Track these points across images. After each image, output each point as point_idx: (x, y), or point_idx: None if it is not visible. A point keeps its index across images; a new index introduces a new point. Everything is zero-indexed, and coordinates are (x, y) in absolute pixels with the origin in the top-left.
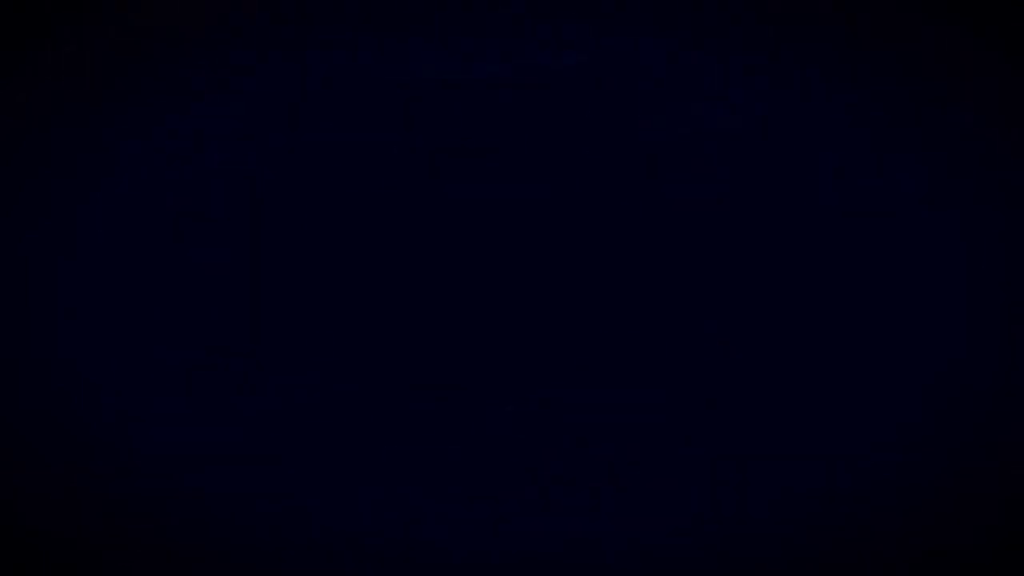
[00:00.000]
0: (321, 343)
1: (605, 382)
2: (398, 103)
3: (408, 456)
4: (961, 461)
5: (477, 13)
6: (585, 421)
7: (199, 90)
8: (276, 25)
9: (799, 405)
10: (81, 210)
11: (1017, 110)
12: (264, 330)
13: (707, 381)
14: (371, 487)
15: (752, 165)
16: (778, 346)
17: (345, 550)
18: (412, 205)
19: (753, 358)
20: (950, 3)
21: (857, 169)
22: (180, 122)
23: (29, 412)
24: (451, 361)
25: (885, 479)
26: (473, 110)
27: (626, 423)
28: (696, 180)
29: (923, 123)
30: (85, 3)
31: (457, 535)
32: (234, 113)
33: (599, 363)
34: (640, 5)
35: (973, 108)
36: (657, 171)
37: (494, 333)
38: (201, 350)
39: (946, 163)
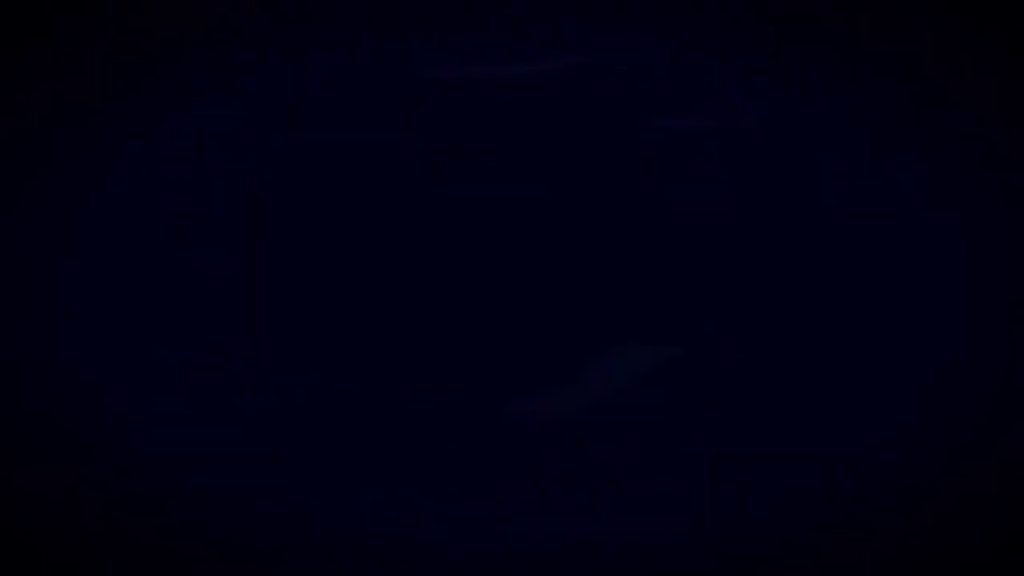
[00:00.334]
0: (321, 343)
1: (605, 382)
2: (398, 103)
3: (408, 456)
4: (961, 461)
5: (477, 13)
6: (585, 421)
7: (199, 90)
8: (276, 25)
9: (799, 405)
10: (81, 210)
11: (1017, 110)
12: (264, 330)
13: (707, 381)
14: (371, 487)
15: (752, 165)
16: (778, 346)
17: (345, 550)
18: (412, 205)
19: (753, 358)
20: (950, 3)
21: (857, 169)
22: (180, 122)
23: (29, 412)
24: (451, 361)
25: (885, 479)
26: (473, 110)
27: (626, 423)
28: (696, 180)
29: (923, 123)
30: (85, 3)
31: (457, 535)
32: (234, 113)
33: (599, 363)
34: (640, 5)
35: (973, 108)
36: (657, 171)
37: (494, 333)
38: (201, 350)
39: (946, 163)
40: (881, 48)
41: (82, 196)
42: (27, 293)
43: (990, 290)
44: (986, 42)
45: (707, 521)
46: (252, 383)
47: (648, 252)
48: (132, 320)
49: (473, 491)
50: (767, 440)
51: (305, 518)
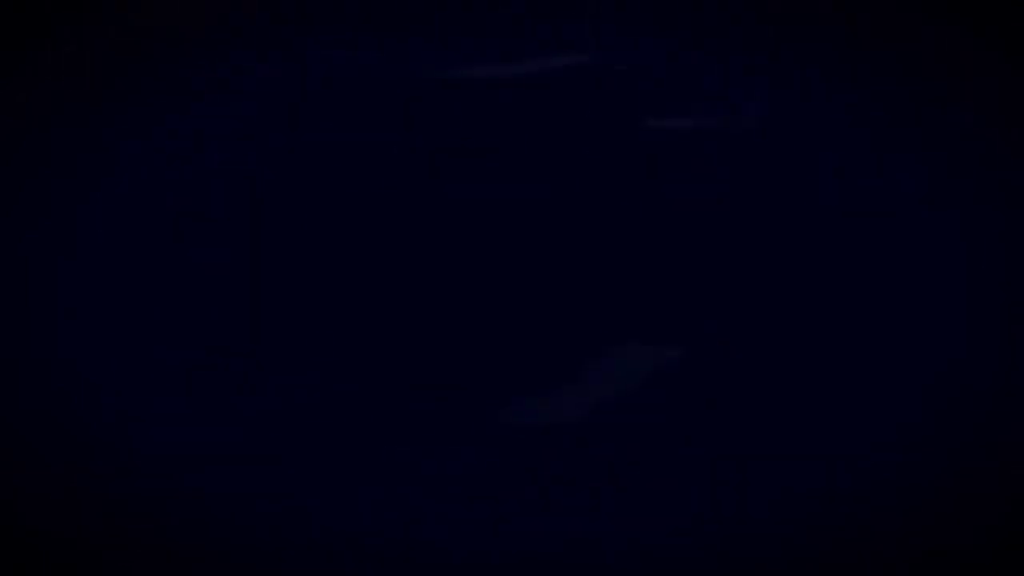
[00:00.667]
0: (321, 343)
1: (605, 382)
2: (398, 103)
3: (408, 456)
4: (961, 461)
5: (477, 13)
6: (585, 421)
7: (199, 90)
8: (276, 25)
9: (799, 405)
10: (81, 210)
11: (1017, 110)
12: (264, 330)
13: (707, 381)
14: (371, 487)
15: (752, 165)
16: (778, 346)
17: (345, 550)
18: (412, 205)
19: (753, 358)
20: (950, 3)
21: (857, 169)
22: (180, 122)
23: (29, 412)
24: (451, 361)
25: (885, 479)
26: (473, 110)
27: (626, 423)
28: (696, 180)
29: (923, 123)
30: (85, 3)
31: (457, 535)
32: (234, 113)
33: (599, 363)
34: (640, 5)
35: (973, 108)
36: (657, 171)
37: (494, 333)
38: (201, 350)
39: (946, 163)
40: (881, 48)
41: (82, 196)
42: (27, 293)
43: (990, 290)
44: (986, 42)
45: (707, 521)
46: (252, 383)
47: (648, 252)
48: (132, 320)
49: (473, 491)
50: (767, 440)
51: (305, 518)
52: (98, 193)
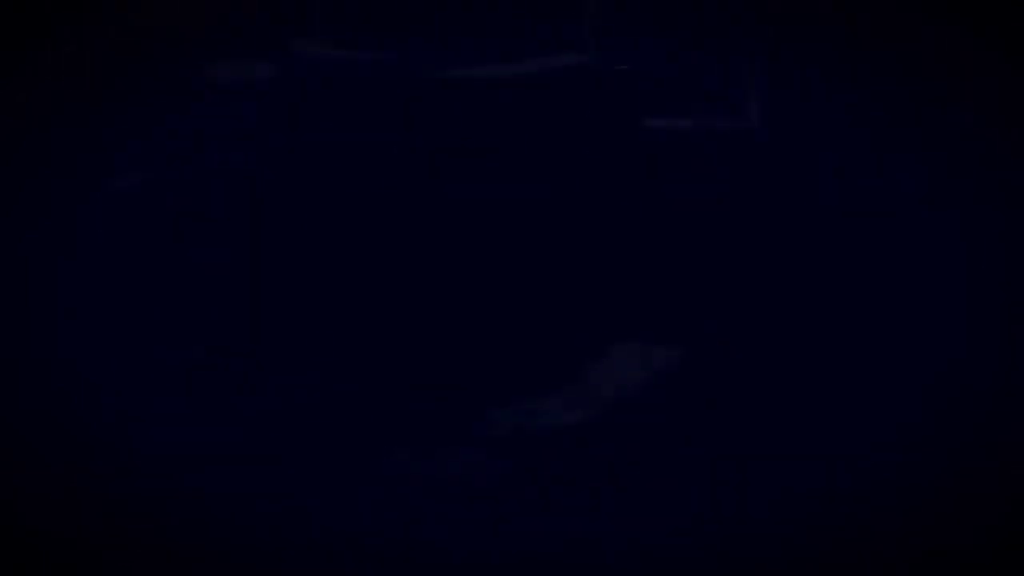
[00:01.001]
0: (321, 343)
1: (605, 382)
2: (398, 103)
3: (408, 456)
4: (961, 461)
5: (477, 13)
6: (585, 421)
7: (199, 90)
8: (276, 25)
9: (799, 405)
10: (81, 210)
11: (1017, 110)
12: (264, 330)
13: (707, 381)
14: (371, 487)
15: (752, 165)
16: (778, 346)
17: (345, 550)
18: (412, 205)
19: (753, 358)
20: (950, 3)
21: (857, 169)
22: (180, 122)
23: (29, 412)
24: (451, 361)
25: (885, 479)
26: (473, 110)
27: (626, 423)
28: (696, 180)
29: (923, 123)
30: (85, 3)
31: (457, 535)
32: (234, 113)
33: (599, 363)
34: (640, 5)
35: (973, 108)
36: (657, 171)
37: (494, 333)
38: (201, 350)
39: (946, 163)
40: (881, 48)
41: (82, 196)
42: (27, 293)
43: (990, 290)
44: (986, 42)
45: (707, 521)
46: (252, 383)
47: (648, 252)
48: (132, 320)
49: (473, 491)
50: (767, 440)
51: (305, 518)
52: (98, 193)
